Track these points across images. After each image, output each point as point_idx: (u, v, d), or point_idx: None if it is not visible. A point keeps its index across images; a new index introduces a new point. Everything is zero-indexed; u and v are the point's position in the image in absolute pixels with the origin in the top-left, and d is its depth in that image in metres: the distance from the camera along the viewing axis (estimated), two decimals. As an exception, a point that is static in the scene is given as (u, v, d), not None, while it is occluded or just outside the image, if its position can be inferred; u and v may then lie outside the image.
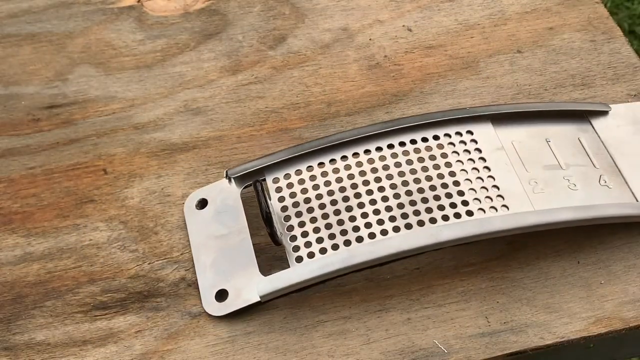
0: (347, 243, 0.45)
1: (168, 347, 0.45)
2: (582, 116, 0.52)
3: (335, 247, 0.45)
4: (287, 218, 0.47)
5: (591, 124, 0.52)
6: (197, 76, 0.58)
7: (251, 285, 0.46)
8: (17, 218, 0.51)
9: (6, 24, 0.61)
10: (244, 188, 0.50)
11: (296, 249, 0.46)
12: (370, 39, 0.60)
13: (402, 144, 0.49)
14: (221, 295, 0.46)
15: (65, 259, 0.49)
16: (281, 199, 0.48)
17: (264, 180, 0.49)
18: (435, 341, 0.45)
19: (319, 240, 0.46)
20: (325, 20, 0.62)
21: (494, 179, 0.48)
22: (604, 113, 0.52)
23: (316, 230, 0.46)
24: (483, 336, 0.45)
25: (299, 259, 0.45)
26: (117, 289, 0.47)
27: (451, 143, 0.49)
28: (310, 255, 0.45)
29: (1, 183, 0.52)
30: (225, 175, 0.50)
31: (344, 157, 0.49)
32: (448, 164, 0.48)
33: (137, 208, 0.51)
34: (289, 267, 0.45)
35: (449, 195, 0.46)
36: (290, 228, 0.46)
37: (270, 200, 0.47)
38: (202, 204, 0.50)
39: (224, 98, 0.57)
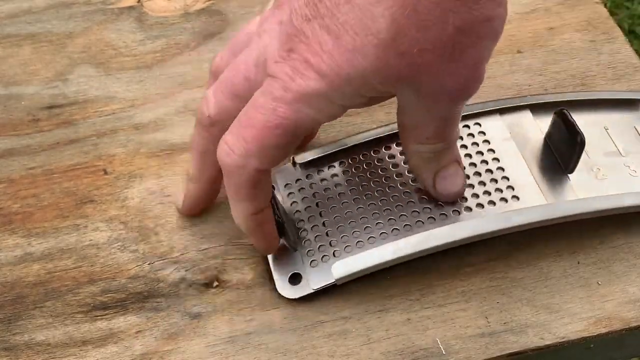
0: (360, 244, 0.46)
1: (168, 348, 0.45)
2: (635, 105, 0.53)
3: (347, 247, 0.46)
4: (301, 222, 0.48)
5: None
6: (198, 76, 0.58)
7: (316, 271, 0.46)
8: (17, 218, 0.51)
9: (6, 24, 0.61)
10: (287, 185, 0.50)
11: (311, 253, 0.47)
12: (370, 39, 0.60)
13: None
14: (295, 278, 0.47)
15: (66, 259, 0.49)
16: (294, 203, 0.49)
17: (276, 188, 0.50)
18: (437, 339, 0.45)
19: (333, 242, 0.46)
20: (325, 21, 0.61)
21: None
22: None
23: (330, 233, 0.47)
24: (483, 336, 0.45)
25: (314, 264, 0.46)
26: (117, 289, 0.47)
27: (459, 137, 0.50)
28: (325, 258, 0.46)
29: (1, 183, 0.52)
30: (291, 161, 0.50)
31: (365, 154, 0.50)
32: (465, 156, 0.49)
33: (137, 208, 0.51)
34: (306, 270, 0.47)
35: (485, 183, 0.48)
36: (304, 232, 0.47)
37: (282, 206, 0.48)
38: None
39: (224, 98, 0.57)
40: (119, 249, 0.49)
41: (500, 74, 0.58)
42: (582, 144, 0.46)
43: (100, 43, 0.60)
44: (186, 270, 0.48)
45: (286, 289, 0.46)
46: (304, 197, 0.49)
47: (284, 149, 0.41)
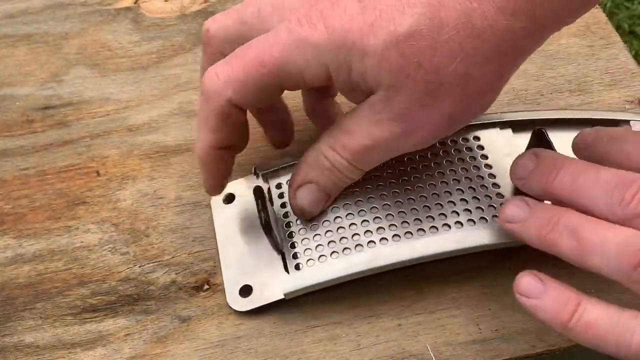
0: (346, 251, 0.45)
1: (157, 351, 0.45)
2: (615, 125, 0.51)
3: (333, 254, 0.45)
4: (288, 225, 0.47)
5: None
6: (193, 78, 0.58)
7: (275, 282, 0.46)
8: (9, 219, 0.50)
9: (2, 24, 0.61)
10: (277, 184, 0.49)
11: (295, 256, 0.46)
12: (366, 43, 0.60)
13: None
14: (245, 291, 0.46)
15: (56, 261, 0.49)
16: (283, 205, 0.48)
17: (263, 185, 0.49)
18: (427, 345, 0.45)
19: (318, 247, 0.45)
20: (322, 23, 0.61)
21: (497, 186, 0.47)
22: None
23: (316, 237, 0.46)
24: (474, 343, 0.45)
25: (297, 267, 0.45)
26: (107, 292, 0.47)
27: (457, 149, 0.49)
28: (310, 262, 0.45)
29: (-6, 184, 0.52)
30: (253, 172, 0.50)
31: None
32: (462, 170, 0.48)
33: (129, 210, 0.51)
34: (287, 272, 0.46)
35: (452, 203, 0.46)
36: (290, 235, 0.46)
37: (272, 205, 0.47)
38: (230, 198, 0.50)
39: (219, 101, 0.56)
40: (109, 251, 0.49)
41: (497, 78, 0.57)
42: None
43: (96, 44, 0.60)
44: (177, 273, 0.48)
45: (235, 301, 0.46)
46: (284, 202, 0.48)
47: (263, 90, 0.40)
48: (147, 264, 0.48)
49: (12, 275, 0.48)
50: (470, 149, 0.49)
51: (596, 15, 0.61)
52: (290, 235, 0.46)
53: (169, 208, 0.51)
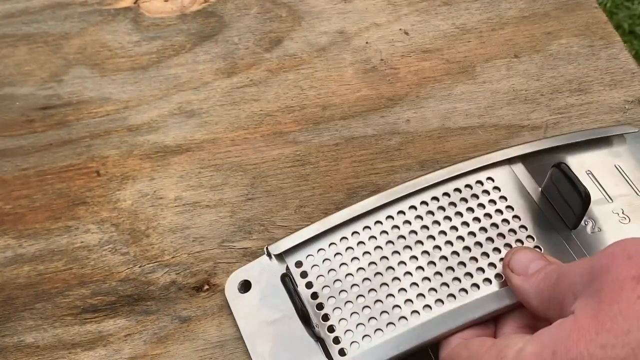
0: (390, 326, 0.42)
1: (157, 351, 0.45)
2: (609, 142, 0.50)
3: (377, 332, 0.42)
4: (320, 306, 0.44)
5: (622, 146, 0.50)
6: (192, 78, 0.58)
7: None
8: (9, 219, 0.50)
9: (2, 24, 0.61)
10: (297, 262, 0.46)
11: (336, 340, 0.42)
12: (366, 43, 0.60)
13: (425, 203, 0.46)
14: None
15: (56, 261, 0.49)
16: (309, 285, 0.44)
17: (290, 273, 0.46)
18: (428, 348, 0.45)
19: (359, 327, 0.42)
20: (322, 23, 0.61)
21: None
22: (634, 134, 0.51)
23: (354, 316, 0.43)
24: (474, 343, 0.45)
25: (342, 353, 0.42)
26: (108, 292, 0.47)
27: (475, 195, 0.47)
28: (354, 346, 0.42)
29: (-6, 184, 0.52)
30: (265, 253, 0.46)
31: (367, 228, 0.46)
32: (485, 217, 0.46)
33: (129, 210, 0.51)
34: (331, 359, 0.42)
35: (485, 255, 0.44)
36: (326, 317, 0.43)
37: (297, 287, 0.44)
38: (246, 286, 0.46)
39: (219, 100, 0.56)
40: (110, 251, 0.49)
41: (497, 78, 0.57)
42: (587, 200, 0.43)
43: (95, 44, 0.60)
44: (177, 274, 0.48)
45: None
46: (319, 276, 0.45)
47: None
48: (147, 264, 0.48)
49: (12, 275, 0.48)
50: (487, 192, 0.47)
51: (596, 15, 0.61)
52: (325, 317, 0.43)
53: (169, 208, 0.51)
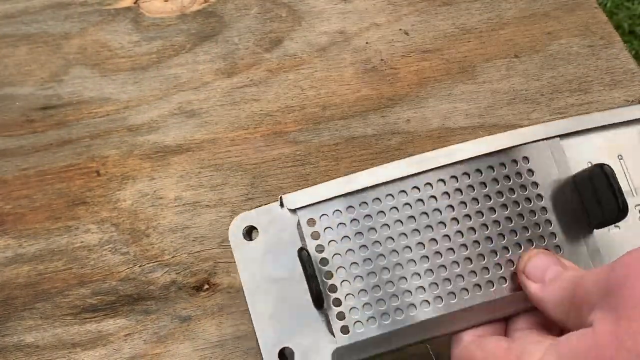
0: (398, 313, 0.40)
1: (157, 351, 0.45)
2: None
3: (384, 316, 0.39)
4: (329, 275, 0.40)
5: None
6: (192, 78, 0.58)
7: (321, 348, 0.39)
8: (9, 219, 0.50)
9: (2, 24, 0.61)
10: (310, 220, 0.41)
11: (341, 316, 0.39)
12: (366, 43, 0.60)
13: (455, 178, 0.42)
14: (285, 355, 0.40)
15: (56, 261, 0.49)
16: (319, 248, 0.40)
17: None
18: (427, 345, 0.45)
19: (366, 306, 0.40)
20: (322, 23, 0.61)
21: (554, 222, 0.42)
22: None
23: (362, 294, 0.40)
24: (474, 343, 0.45)
25: (345, 330, 0.39)
26: (108, 292, 0.47)
27: (507, 177, 0.42)
28: (358, 325, 0.39)
29: (-6, 184, 0.52)
30: (279, 202, 0.42)
31: (389, 196, 0.41)
32: (513, 204, 0.42)
33: (129, 210, 0.51)
34: (332, 334, 0.40)
35: (505, 250, 0.41)
36: (333, 288, 0.40)
37: (305, 242, 0.41)
38: (250, 233, 0.42)
39: (219, 100, 0.56)
40: (110, 251, 0.49)
41: (497, 78, 0.57)
42: (624, 213, 0.39)
43: (96, 44, 0.60)
44: (177, 273, 0.48)
45: None
46: (331, 241, 0.41)
47: None
48: (147, 263, 0.48)
49: (12, 275, 0.48)
50: (520, 175, 0.42)
51: (596, 15, 0.61)
52: (333, 288, 0.40)
53: (169, 208, 0.51)
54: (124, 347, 0.45)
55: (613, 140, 0.45)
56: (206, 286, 0.47)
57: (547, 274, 0.39)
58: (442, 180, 0.41)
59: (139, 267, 0.48)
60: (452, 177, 0.42)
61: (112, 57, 0.59)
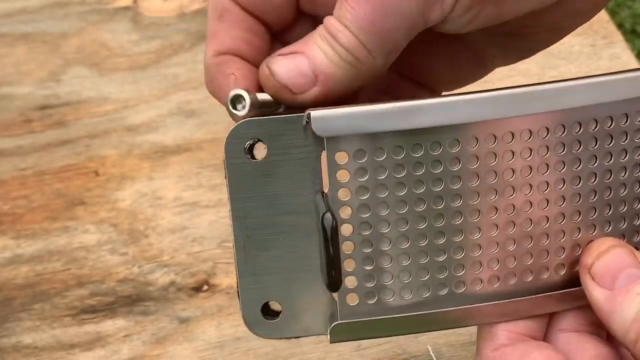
0: (423, 290, 0.31)
1: (156, 352, 0.45)
2: None
3: (404, 292, 0.31)
4: (347, 229, 0.30)
5: None
6: (192, 78, 0.58)
7: (316, 309, 0.32)
8: (7, 220, 0.50)
9: (0, 23, 0.61)
10: (338, 153, 0.29)
11: (351, 282, 0.31)
12: (367, 42, 0.60)
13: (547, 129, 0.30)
14: (270, 312, 0.32)
15: (55, 262, 0.48)
16: (344, 194, 0.30)
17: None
18: (428, 346, 0.44)
19: (385, 275, 0.31)
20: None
21: None
22: None
23: (385, 257, 0.31)
24: (475, 344, 0.44)
25: (351, 299, 0.31)
26: (106, 293, 0.47)
27: (625, 132, 0.31)
28: (369, 296, 0.31)
29: (-8, 184, 0.52)
30: (305, 119, 0.29)
31: (456, 141, 0.30)
32: (619, 169, 0.31)
33: (128, 211, 0.51)
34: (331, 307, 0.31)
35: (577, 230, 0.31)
36: (346, 243, 0.30)
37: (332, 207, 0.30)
38: (253, 147, 0.30)
39: (218, 100, 0.56)
40: (108, 251, 0.49)
41: (498, 77, 0.57)
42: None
43: (94, 43, 0.60)
44: (176, 274, 0.48)
45: (255, 322, 0.32)
46: (361, 187, 0.30)
47: None
48: (146, 264, 0.48)
49: (10, 276, 0.48)
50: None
51: (598, 14, 0.61)
52: (346, 243, 0.30)
53: (168, 208, 0.51)
54: (123, 348, 0.45)
55: None
56: (205, 287, 0.47)
57: (620, 277, 0.30)
58: (530, 130, 0.30)
59: (138, 267, 0.48)
60: (544, 127, 0.30)
61: (111, 57, 0.59)
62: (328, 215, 0.29)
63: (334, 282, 0.30)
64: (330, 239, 0.29)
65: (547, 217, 0.31)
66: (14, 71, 0.58)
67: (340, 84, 0.30)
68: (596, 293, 0.30)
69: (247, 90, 0.29)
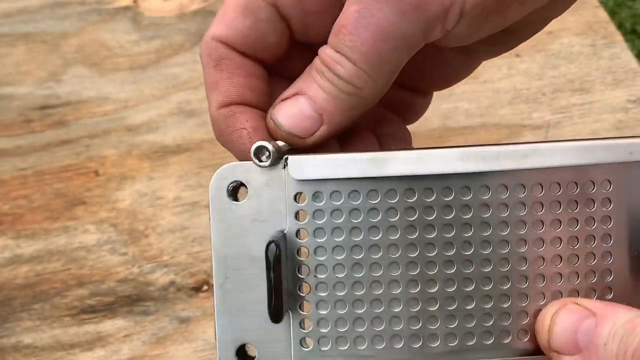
0: (377, 341, 0.31)
1: (156, 352, 0.45)
2: None
3: (358, 340, 0.31)
4: (302, 270, 0.31)
5: None
6: (192, 78, 0.58)
7: (278, 357, 0.31)
8: (7, 220, 0.50)
9: (0, 23, 0.61)
10: (298, 194, 0.31)
11: (303, 324, 0.31)
12: (367, 42, 0.60)
13: (505, 187, 0.31)
14: (245, 355, 0.31)
15: (55, 262, 0.48)
16: (302, 234, 0.31)
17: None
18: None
19: (339, 322, 0.31)
20: (322, 23, 0.61)
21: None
22: None
23: (339, 305, 0.31)
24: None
25: (304, 343, 0.31)
26: (106, 293, 0.47)
27: (574, 201, 0.31)
28: (323, 341, 0.31)
29: (-8, 184, 0.52)
30: (283, 163, 0.30)
31: (409, 190, 0.31)
32: (570, 240, 0.31)
33: (128, 211, 0.50)
34: (289, 349, 0.31)
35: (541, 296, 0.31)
36: (304, 288, 0.31)
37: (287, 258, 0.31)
38: (236, 191, 0.32)
39: (218, 100, 0.56)
40: (108, 251, 0.49)
41: (498, 77, 0.57)
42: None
43: (94, 43, 0.60)
44: (176, 274, 0.48)
45: None
46: (318, 229, 0.31)
47: (251, 24, 0.31)
48: (146, 264, 0.48)
49: (10, 276, 0.48)
50: (592, 203, 0.31)
51: (598, 14, 0.61)
52: (302, 287, 0.31)
53: (168, 208, 0.50)
54: (123, 348, 0.45)
55: None
56: (205, 287, 0.47)
57: (579, 336, 0.28)
58: (487, 187, 0.31)
59: (138, 267, 0.48)
60: (502, 185, 0.31)
61: (111, 57, 0.59)
62: (272, 245, 0.30)
63: (273, 313, 0.30)
64: (272, 268, 0.30)
65: (507, 277, 0.31)
66: (14, 71, 0.58)
67: (346, 115, 0.30)
68: None
69: (267, 140, 0.30)
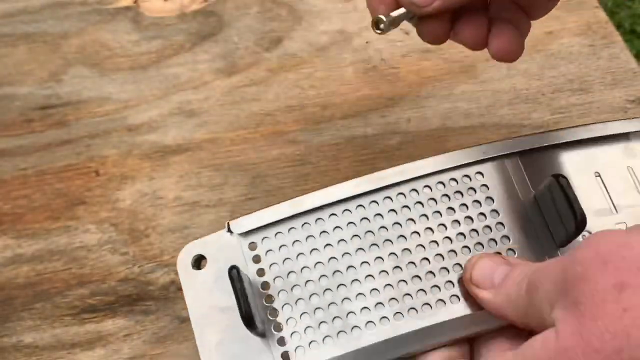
0: (341, 335, 0.38)
1: (157, 351, 0.45)
2: (626, 138, 0.43)
3: (326, 339, 0.38)
4: (270, 299, 0.39)
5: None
6: (192, 78, 0.58)
7: None
8: (8, 219, 0.50)
9: (1, 23, 0.61)
10: (251, 244, 0.40)
11: (282, 342, 0.38)
12: (367, 42, 0.60)
13: (403, 194, 0.41)
14: None
15: (55, 261, 0.48)
16: (260, 272, 0.39)
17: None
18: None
19: (308, 330, 0.38)
20: (322, 23, 0.61)
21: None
22: None
23: (304, 316, 0.38)
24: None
25: (286, 357, 0.38)
26: (107, 292, 0.47)
27: (459, 192, 0.41)
28: (299, 350, 0.38)
29: (-7, 184, 0.52)
30: (226, 229, 0.40)
31: (333, 215, 0.40)
32: (466, 220, 0.40)
33: (128, 210, 0.51)
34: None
35: (458, 266, 0.39)
36: (274, 312, 0.38)
37: (251, 287, 0.38)
38: (199, 262, 0.41)
39: (219, 100, 0.56)
40: (109, 251, 0.49)
41: (498, 77, 0.57)
42: (582, 224, 0.37)
43: (95, 44, 0.60)
44: (176, 274, 0.47)
45: None
46: (272, 264, 0.39)
47: None
48: (147, 264, 0.48)
49: (11, 275, 0.48)
50: (473, 190, 0.41)
51: (597, 14, 0.61)
52: (274, 312, 0.38)
53: (169, 208, 0.51)
54: (124, 348, 0.45)
55: (591, 157, 0.42)
56: (206, 286, 0.47)
57: (495, 276, 0.36)
58: (389, 197, 0.41)
59: (138, 267, 0.48)
60: (400, 194, 0.41)
61: (112, 57, 0.59)
62: (232, 268, 0.37)
63: (245, 316, 0.36)
64: (235, 281, 0.37)
65: (427, 259, 0.39)
66: (14, 71, 0.58)
67: None
68: (483, 295, 0.36)
69: (385, 15, 0.38)
